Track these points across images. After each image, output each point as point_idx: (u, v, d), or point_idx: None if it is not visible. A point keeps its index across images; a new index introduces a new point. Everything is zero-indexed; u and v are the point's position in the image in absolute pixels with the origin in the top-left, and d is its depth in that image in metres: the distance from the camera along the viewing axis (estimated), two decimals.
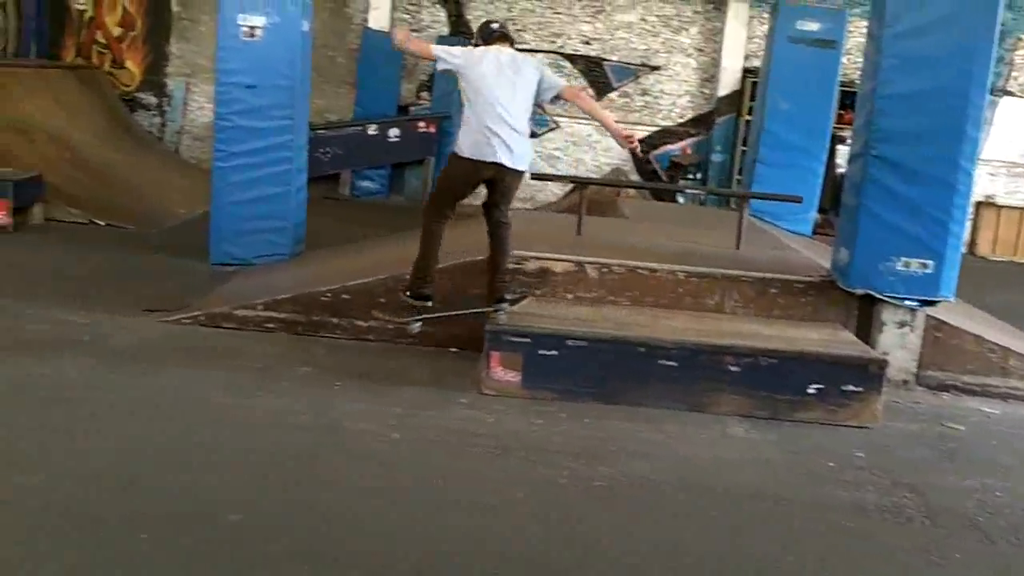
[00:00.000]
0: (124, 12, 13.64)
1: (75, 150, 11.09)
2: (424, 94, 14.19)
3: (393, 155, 13.73)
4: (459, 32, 14.03)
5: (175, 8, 13.73)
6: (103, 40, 13.69)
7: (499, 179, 6.05)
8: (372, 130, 13.42)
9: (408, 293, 6.31)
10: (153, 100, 13.83)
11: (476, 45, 6.26)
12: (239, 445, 4.88)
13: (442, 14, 14.24)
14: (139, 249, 9.14)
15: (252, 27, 8.46)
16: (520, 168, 6.05)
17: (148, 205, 10.69)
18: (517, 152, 5.97)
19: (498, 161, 5.92)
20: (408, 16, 14.19)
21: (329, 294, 6.98)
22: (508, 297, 6.32)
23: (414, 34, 6.30)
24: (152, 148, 13.09)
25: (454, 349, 6.80)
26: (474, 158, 5.95)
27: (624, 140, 6.31)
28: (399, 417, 5.44)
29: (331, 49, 13.78)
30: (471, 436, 5.27)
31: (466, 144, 5.98)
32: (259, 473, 4.57)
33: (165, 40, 13.77)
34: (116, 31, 13.68)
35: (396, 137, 13.53)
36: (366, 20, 13.92)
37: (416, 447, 5.06)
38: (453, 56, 6.12)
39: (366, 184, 13.94)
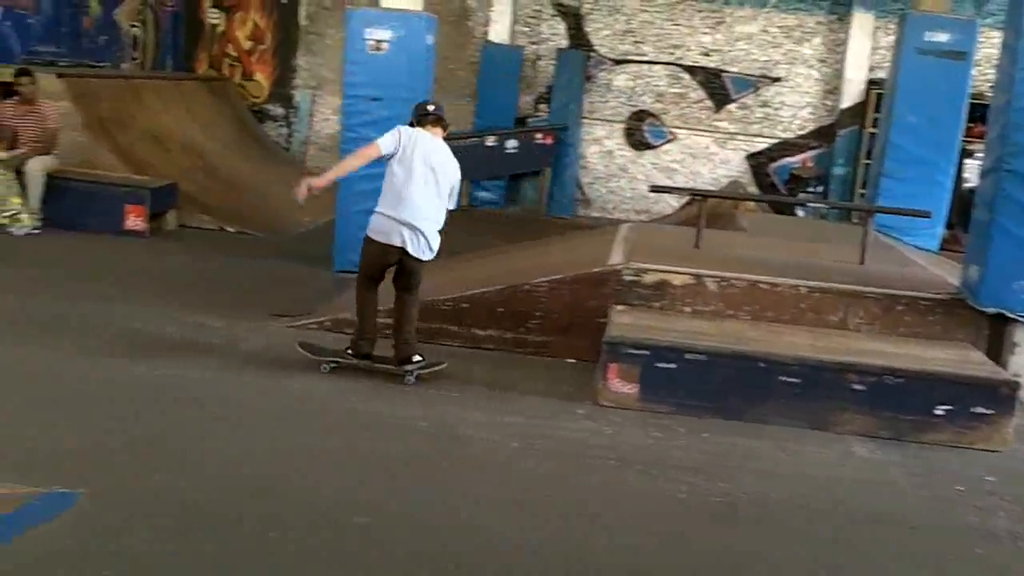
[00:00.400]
0: (255, 26, 14.13)
1: (207, 159, 11.53)
2: (542, 106, 14.29)
3: (510, 166, 13.85)
4: (578, 45, 14.10)
5: (303, 22, 14.16)
6: (234, 53, 14.21)
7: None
8: (490, 141, 13.56)
9: (350, 351, 6.29)
10: (280, 111, 14.29)
11: (411, 124, 6.24)
12: (363, 449, 5.01)
13: (561, 27, 14.31)
14: (266, 256, 9.45)
15: (378, 41, 8.67)
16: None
17: (275, 213, 11.02)
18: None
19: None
20: (527, 29, 14.32)
21: (449, 303, 7.10)
22: (416, 360, 6.20)
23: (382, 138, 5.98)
24: (279, 158, 13.51)
25: (571, 360, 6.83)
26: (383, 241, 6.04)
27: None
28: (518, 427, 5.50)
29: (452, 62, 13.99)
30: (589, 448, 5.30)
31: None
32: (384, 478, 4.68)
33: (293, 53, 14.21)
34: (246, 44, 14.18)
35: (514, 148, 13.64)
36: (486, 34, 14.10)
37: (535, 457, 5.11)
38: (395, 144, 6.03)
39: (483, 194, 14.10)
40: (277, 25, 14.12)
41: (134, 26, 13.03)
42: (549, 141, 13.84)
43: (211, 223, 10.31)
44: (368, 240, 6.18)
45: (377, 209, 6.09)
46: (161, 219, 9.87)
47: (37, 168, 9.23)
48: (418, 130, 6.20)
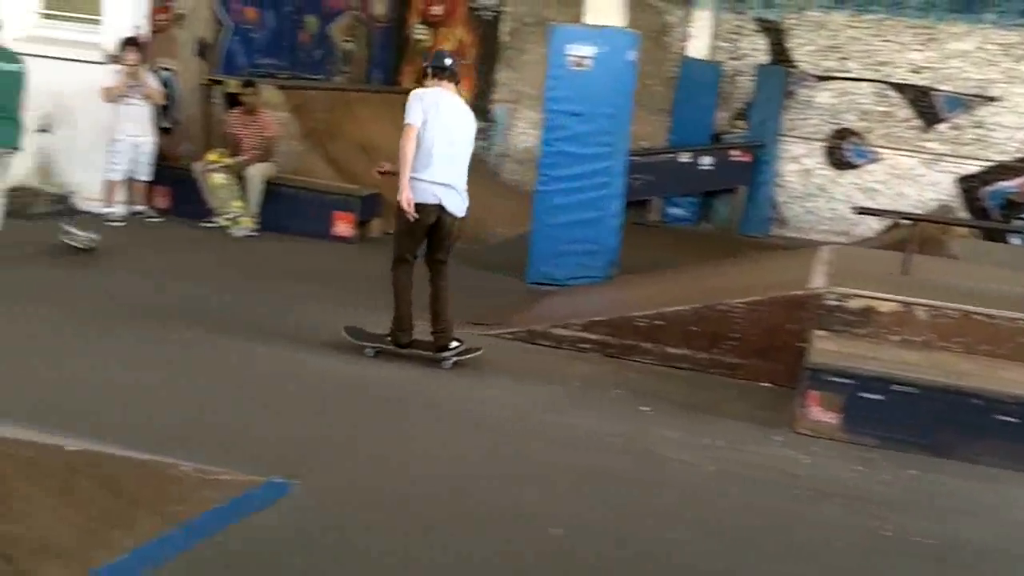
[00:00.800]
0: (458, 42, 14.53)
1: None
2: (739, 122, 14.07)
3: (705, 183, 13.70)
4: (779, 61, 13.81)
5: (504, 38, 14.45)
6: None
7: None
8: (685, 158, 13.45)
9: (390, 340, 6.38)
10: (480, 125, 14.58)
11: (424, 73, 6.39)
12: (558, 461, 5.06)
13: (762, 42, 14.06)
14: (463, 265, 9.62)
15: (581, 57, 8.77)
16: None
17: (472, 224, 11.25)
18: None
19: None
20: (727, 44, 14.13)
21: (643, 319, 7.08)
22: (453, 346, 6.29)
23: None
24: (475, 170, 13.78)
25: (766, 384, 6.69)
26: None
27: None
28: (713, 449, 5.43)
29: (649, 77, 13.93)
30: (787, 476, 5.17)
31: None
32: (578, 492, 4.72)
33: (493, 68, 14.52)
34: None
35: (709, 165, 13.48)
36: (684, 49, 14.00)
37: (730, 481, 5.03)
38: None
39: (675, 211, 14.00)
40: (479, 40, 14.47)
41: (347, 41, 13.64)
42: (745, 158, 13.60)
43: None
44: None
45: (410, 174, 6.10)
46: (367, 226, 10.28)
47: (257, 174, 9.80)
48: (435, 89, 6.27)
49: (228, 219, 9.69)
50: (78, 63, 9.62)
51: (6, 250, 7.82)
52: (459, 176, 6.26)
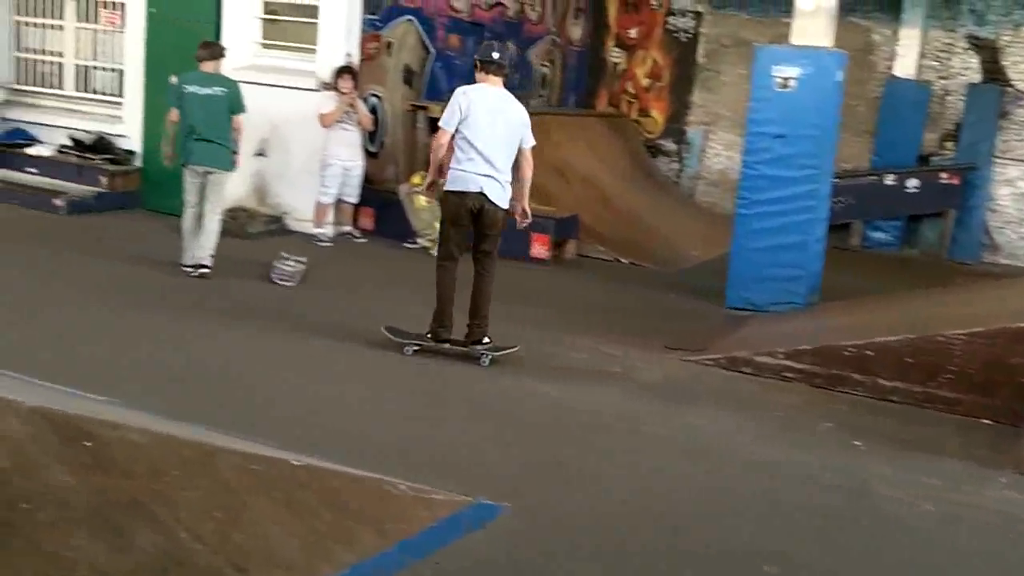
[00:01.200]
0: (653, 64, 14.48)
1: (604, 192, 11.97)
2: (948, 144, 13.39)
3: (910, 206, 13.08)
4: (993, 79, 13.07)
5: (700, 60, 14.30)
6: (632, 90, 14.64)
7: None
8: (890, 180, 12.91)
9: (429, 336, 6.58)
10: (673, 147, 14.50)
11: (474, 66, 6.64)
12: (768, 496, 4.93)
13: (974, 61, 13.35)
14: (659, 288, 9.61)
15: (786, 78, 8.57)
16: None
17: (666, 246, 11.21)
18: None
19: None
20: (936, 63, 13.50)
21: (852, 349, 6.81)
22: (486, 341, 6.48)
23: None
24: (670, 192, 13.74)
25: (987, 421, 6.31)
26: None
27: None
28: (930, 488, 5.16)
29: (852, 97, 13.42)
30: (1014, 521, 4.86)
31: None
32: (790, 528, 4.59)
33: (689, 90, 14.38)
34: (645, 82, 14.57)
35: (914, 188, 12.89)
36: (891, 68, 13.46)
37: (950, 524, 4.78)
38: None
39: (878, 235, 13.44)
40: (675, 63, 14.37)
41: (544, 65, 13.84)
42: (955, 181, 12.91)
43: (607, 253, 10.66)
44: (445, 196, 6.45)
45: (452, 166, 6.36)
46: (563, 248, 10.35)
47: None
48: (479, 85, 6.48)
49: (430, 240, 9.96)
50: (293, 90, 10.12)
51: (227, 268, 8.30)
52: (501, 168, 6.41)
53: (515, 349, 6.65)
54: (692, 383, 6.68)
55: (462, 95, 6.42)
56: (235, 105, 8.29)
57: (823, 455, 5.53)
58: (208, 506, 3.60)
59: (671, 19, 14.38)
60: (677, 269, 10.56)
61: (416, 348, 6.60)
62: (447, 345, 6.58)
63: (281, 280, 8.20)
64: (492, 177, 6.36)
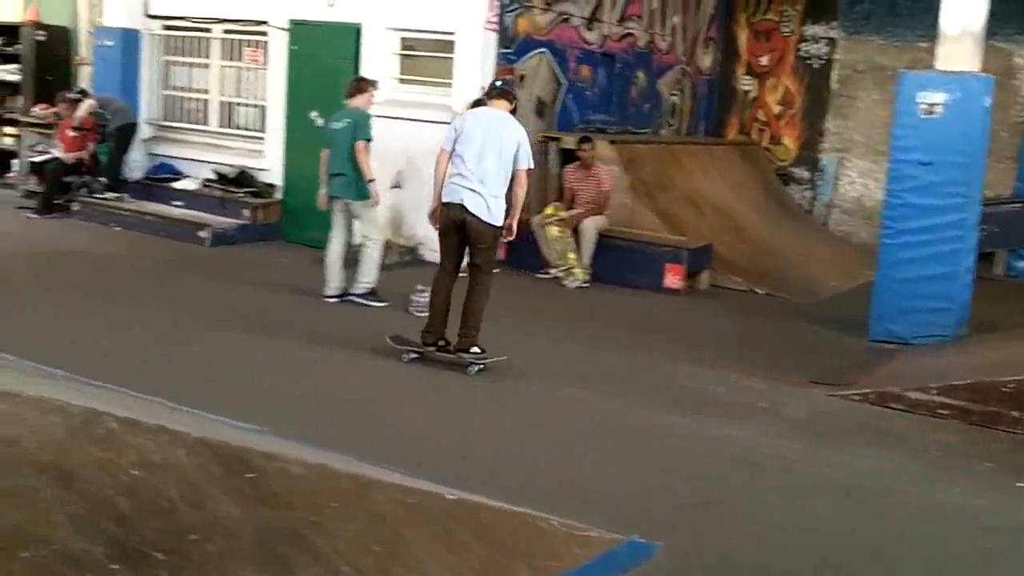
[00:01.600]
0: (785, 91, 14.23)
1: (737, 221, 11.78)
2: None
3: None
4: None
5: (834, 86, 13.98)
6: (763, 118, 14.42)
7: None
8: None
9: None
10: (805, 175, 14.19)
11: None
12: (933, 540, 4.71)
13: None
14: (796, 319, 9.36)
15: (931, 104, 8.29)
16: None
17: (801, 276, 10.94)
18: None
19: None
20: None
21: (1011, 385, 6.48)
22: (475, 350, 6.72)
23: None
24: (802, 221, 13.43)
25: None
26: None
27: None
28: None
29: (994, 123, 12.93)
30: None
31: None
32: (954, 574, 4.35)
33: (822, 117, 14.06)
34: (776, 109, 14.33)
35: None
36: None
37: None
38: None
39: (1022, 264, 12.85)
40: (808, 89, 14.09)
41: (673, 94, 13.75)
42: None
43: (741, 284, 10.47)
44: (439, 206, 6.79)
45: (446, 180, 6.76)
46: (696, 278, 10.21)
47: (591, 227, 10.02)
48: (477, 109, 7.11)
49: (562, 270, 9.96)
50: (428, 123, 10.28)
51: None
52: (488, 183, 6.60)
53: (502, 359, 6.84)
54: (841, 419, 6.46)
55: (459, 118, 7.01)
56: (356, 132, 8.34)
57: (985, 497, 5.26)
58: (366, 539, 3.61)
59: (803, 46, 14.12)
60: (814, 300, 10.28)
61: (415, 356, 6.94)
62: (433, 350, 6.90)
63: (418, 312, 8.29)
64: (476, 192, 6.59)
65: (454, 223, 6.69)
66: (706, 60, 14.34)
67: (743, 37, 14.48)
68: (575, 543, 4.05)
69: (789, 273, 11.02)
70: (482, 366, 6.76)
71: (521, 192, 6.81)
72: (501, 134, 6.68)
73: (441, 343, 6.91)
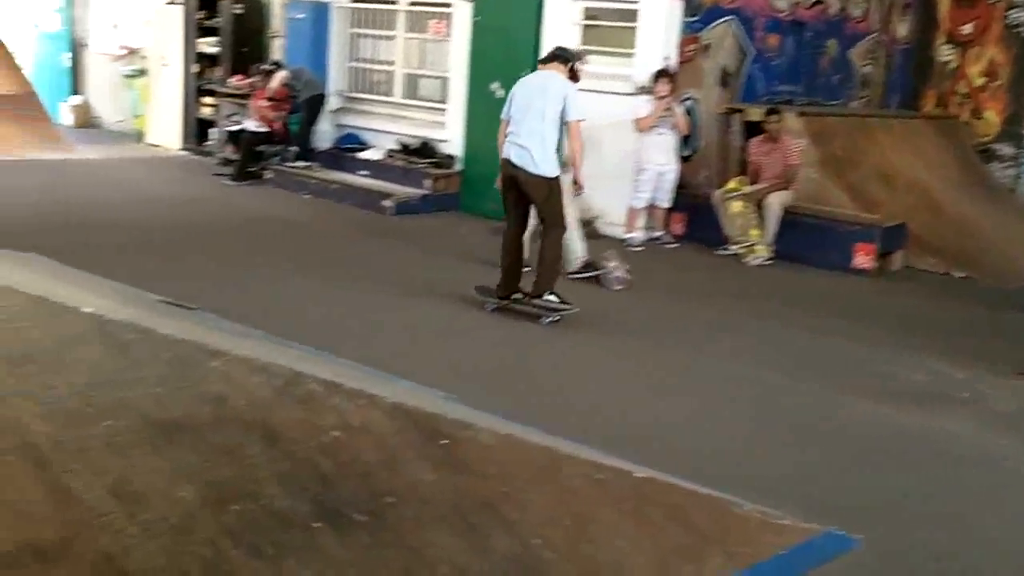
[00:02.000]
0: (990, 61, 13.33)
1: (933, 199, 11.13)
2: None
3: None
4: None
5: None
6: (964, 90, 13.55)
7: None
8: None
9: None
10: (1009, 151, 13.27)
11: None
12: None
13: None
14: (998, 305, 8.79)
15: None
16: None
17: (1004, 259, 10.25)
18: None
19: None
20: None
21: None
22: (548, 297, 7.01)
23: None
24: (1006, 200, 12.55)
25: None
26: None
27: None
28: None
29: None
30: None
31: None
32: None
33: None
34: (979, 81, 13.44)
35: None
36: None
37: None
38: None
39: None
40: (1016, 60, 13.14)
41: (865, 65, 13.10)
42: None
43: (937, 266, 9.90)
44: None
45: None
46: (888, 259, 9.71)
47: (775, 203, 9.66)
48: (535, 73, 7.37)
49: (744, 247, 9.66)
50: (608, 95, 10.13)
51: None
52: (531, 140, 6.89)
53: (575, 310, 7.07)
54: None
55: (514, 88, 7.22)
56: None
57: None
58: (557, 513, 3.55)
59: (1012, 13, 13.16)
60: (1017, 285, 9.62)
61: (494, 306, 7.28)
62: (506, 301, 7.22)
63: (617, 286, 8.24)
64: (522, 147, 6.92)
65: (510, 178, 7.11)
66: (902, 28, 13.58)
67: (944, 4, 13.61)
68: (770, 531, 3.87)
69: (990, 256, 10.34)
70: (557, 317, 7.04)
71: (576, 144, 7.10)
72: (546, 90, 6.99)
73: (516, 296, 7.26)
